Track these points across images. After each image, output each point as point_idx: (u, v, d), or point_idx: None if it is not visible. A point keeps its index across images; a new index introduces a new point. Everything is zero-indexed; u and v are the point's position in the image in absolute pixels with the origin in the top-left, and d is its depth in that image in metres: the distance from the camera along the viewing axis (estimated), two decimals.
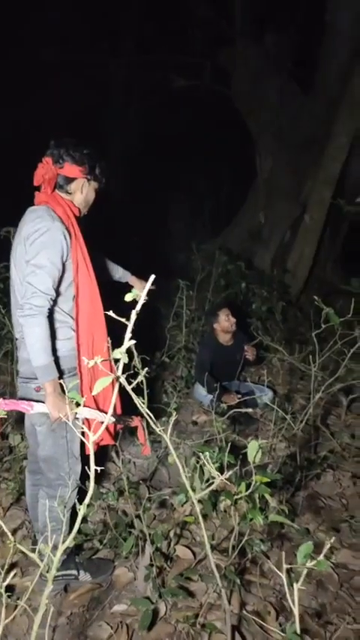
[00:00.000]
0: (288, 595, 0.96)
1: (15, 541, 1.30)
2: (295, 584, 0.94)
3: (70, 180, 1.90)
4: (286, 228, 6.46)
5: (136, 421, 1.98)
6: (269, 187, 6.72)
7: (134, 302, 0.97)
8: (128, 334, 0.93)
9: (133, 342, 0.93)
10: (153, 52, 7.92)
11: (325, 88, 6.24)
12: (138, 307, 0.89)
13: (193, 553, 2.18)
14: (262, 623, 1.82)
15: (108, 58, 8.53)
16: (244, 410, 2.86)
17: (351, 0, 5.80)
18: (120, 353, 0.92)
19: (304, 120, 6.44)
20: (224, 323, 3.69)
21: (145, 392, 2.11)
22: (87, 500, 1.26)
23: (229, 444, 2.50)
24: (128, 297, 0.91)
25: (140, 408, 1.54)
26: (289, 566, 1.01)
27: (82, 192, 1.94)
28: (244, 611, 1.90)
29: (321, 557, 0.92)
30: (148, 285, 0.95)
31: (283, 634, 1.04)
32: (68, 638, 1.82)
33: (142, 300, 0.90)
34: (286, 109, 6.69)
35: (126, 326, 0.96)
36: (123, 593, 2.02)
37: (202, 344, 3.90)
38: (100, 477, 2.67)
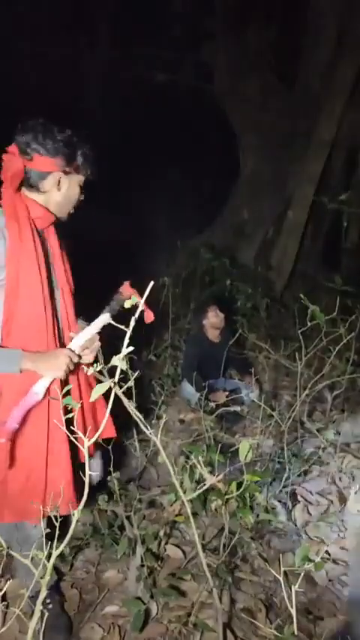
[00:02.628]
0: (285, 595, 0.97)
1: (7, 548, 1.30)
2: (292, 587, 0.95)
3: (43, 175, 1.52)
4: (269, 225, 6.51)
5: (125, 288, 1.57)
6: (253, 184, 6.75)
7: None
8: (127, 340, 0.92)
9: (131, 348, 0.93)
10: (131, 46, 7.81)
11: (307, 85, 6.28)
12: (137, 314, 0.89)
13: (184, 552, 2.19)
14: (252, 620, 1.84)
15: (84, 52, 8.41)
16: (232, 408, 2.87)
17: None
18: (119, 360, 0.92)
19: (286, 117, 6.47)
20: (213, 319, 3.70)
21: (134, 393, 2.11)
22: (80, 507, 1.25)
23: (219, 443, 2.52)
24: (127, 305, 0.90)
25: (130, 410, 1.54)
26: (287, 568, 1.02)
27: (60, 190, 1.56)
28: (235, 609, 1.91)
29: (318, 559, 0.93)
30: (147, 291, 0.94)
31: (277, 634, 1.05)
32: None
33: (141, 306, 0.89)
34: (268, 105, 6.71)
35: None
36: (114, 595, 2.02)
37: (190, 341, 3.91)
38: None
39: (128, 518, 2.05)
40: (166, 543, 2.21)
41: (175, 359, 4.17)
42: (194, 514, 2.15)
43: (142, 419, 1.51)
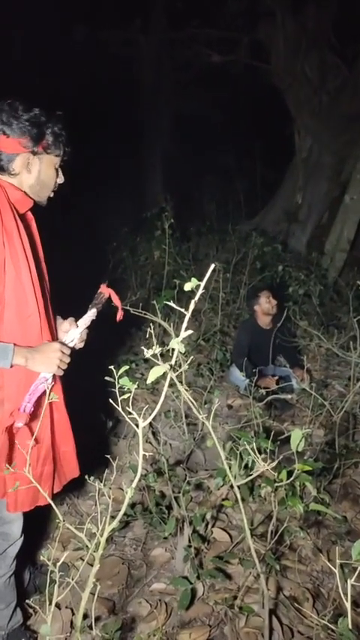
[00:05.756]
0: (333, 587, 0.96)
1: (64, 521, 1.34)
2: (349, 581, 0.93)
3: (11, 157, 1.44)
4: (324, 209, 6.31)
5: (103, 288, 1.64)
6: (308, 167, 6.56)
7: None
8: (185, 323, 0.92)
9: (190, 332, 0.93)
10: (186, 27, 7.66)
11: None
12: (196, 297, 0.88)
13: (230, 536, 2.20)
14: (299, 607, 1.83)
15: (138, 36, 8.32)
16: (282, 396, 2.83)
17: None
18: (177, 343, 0.92)
19: (345, 96, 6.21)
20: (265, 305, 3.65)
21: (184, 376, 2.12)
22: (134, 484, 1.28)
23: (268, 430, 2.50)
24: (187, 287, 0.90)
25: (184, 394, 1.55)
26: (344, 561, 1.01)
27: (31, 172, 1.48)
28: (281, 597, 1.91)
29: None
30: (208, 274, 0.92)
31: (330, 625, 1.04)
32: (108, 613, 1.88)
33: (200, 289, 0.88)
34: (326, 84, 6.46)
35: None
36: (161, 572, 2.06)
37: (242, 327, 3.87)
38: None
39: (176, 498, 2.08)
40: (213, 526, 2.24)
41: (223, 344, 4.15)
42: (242, 499, 2.16)
43: (195, 403, 1.51)
